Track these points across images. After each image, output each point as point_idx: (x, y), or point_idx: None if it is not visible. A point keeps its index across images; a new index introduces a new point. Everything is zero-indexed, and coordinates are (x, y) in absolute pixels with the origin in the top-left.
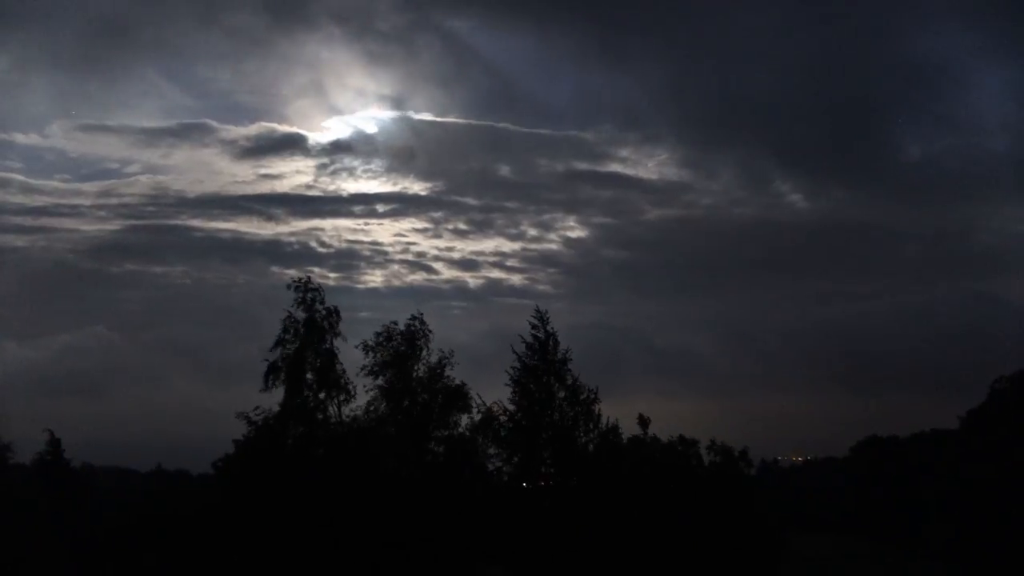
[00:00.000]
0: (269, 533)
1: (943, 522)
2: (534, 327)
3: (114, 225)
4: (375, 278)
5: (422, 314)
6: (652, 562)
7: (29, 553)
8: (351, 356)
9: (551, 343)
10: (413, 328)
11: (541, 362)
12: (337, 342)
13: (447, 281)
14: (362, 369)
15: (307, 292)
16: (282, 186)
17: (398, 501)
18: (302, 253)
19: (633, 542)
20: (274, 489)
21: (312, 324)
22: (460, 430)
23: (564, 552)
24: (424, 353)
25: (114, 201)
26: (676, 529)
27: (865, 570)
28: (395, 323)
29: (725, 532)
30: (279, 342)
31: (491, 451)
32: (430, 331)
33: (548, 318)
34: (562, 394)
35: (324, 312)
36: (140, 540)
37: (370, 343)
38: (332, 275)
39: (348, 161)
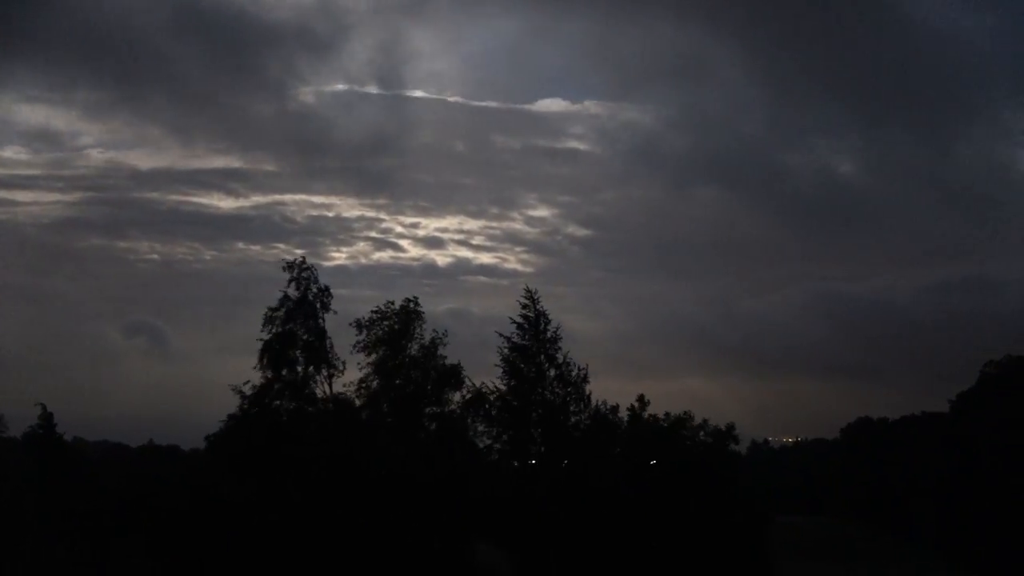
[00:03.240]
0: (260, 507)
1: (932, 503)
2: (524, 306)
3: (73, 197)
4: (340, 255)
5: (416, 298)
6: (641, 537)
7: (20, 527)
8: (340, 333)
9: (542, 322)
10: (408, 308)
11: (532, 341)
12: (328, 319)
13: (414, 259)
14: (355, 346)
15: (301, 271)
16: (235, 161)
17: (389, 477)
18: (267, 229)
19: (622, 518)
20: (266, 462)
21: (304, 303)
22: (452, 407)
23: (554, 529)
24: (417, 332)
25: (69, 173)
26: (665, 506)
27: (854, 550)
28: (392, 302)
29: (712, 509)
30: (271, 320)
31: (481, 428)
32: (422, 311)
33: (539, 297)
34: (552, 373)
35: (316, 291)
36: (132, 515)
37: (364, 321)
38: (298, 251)
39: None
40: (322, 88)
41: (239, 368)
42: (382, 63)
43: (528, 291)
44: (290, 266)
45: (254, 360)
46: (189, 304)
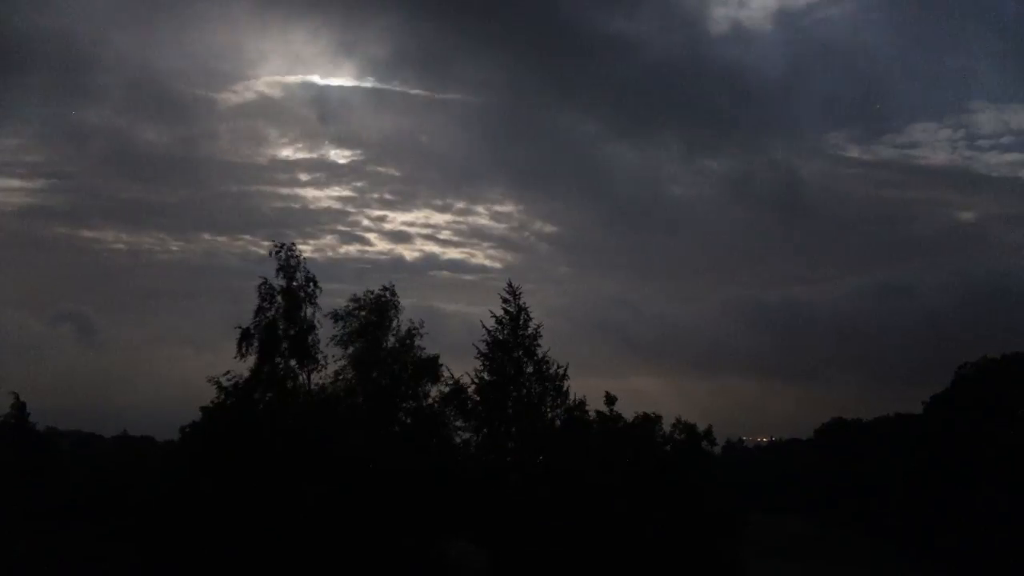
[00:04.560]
0: (234, 500)
1: (905, 504)
2: (505, 301)
3: (37, 184)
4: (306, 248)
5: (393, 285)
6: (614, 537)
7: None
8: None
9: (522, 318)
10: (383, 298)
11: (511, 336)
12: (314, 311)
13: (381, 253)
14: (332, 339)
15: (288, 259)
16: (197, 151)
17: (364, 472)
18: (233, 221)
19: (596, 518)
20: (241, 454)
21: (290, 292)
22: (429, 401)
23: (530, 526)
24: (394, 324)
25: (32, 159)
26: (638, 505)
27: (827, 550)
28: (371, 291)
29: (685, 508)
30: (258, 309)
31: (458, 424)
32: (399, 302)
33: (520, 293)
34: (530, 369)
35: (303, 280)
36: (105, 505)
37: (340, 312)
38: (265, 243)
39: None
40: None
41: (209, 358)
42: None
43: (510, 286)
44: (277, 251)
45: (224, 351)
46: (157, 294)
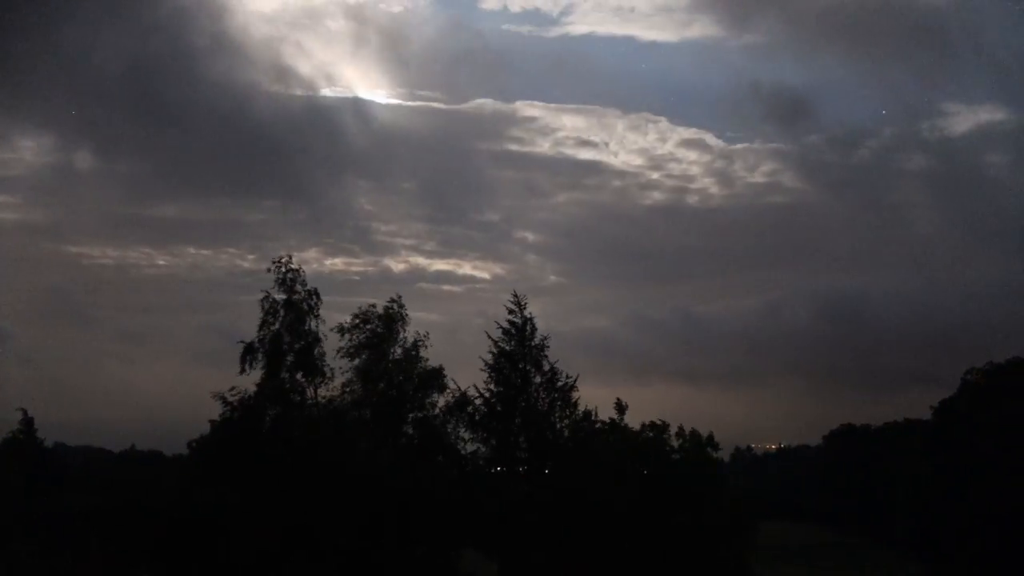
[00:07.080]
0: (243, 514)
1: (914, 511)
2: (511, 311)
3: (16, 199)
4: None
5: (400, 296)
6: (624, 547)
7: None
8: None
9: (528, 328)
10: (391, 311)
11: (518, 347)
12: (317, 324)
13: (369, 265)
14: (338, 351)
15: (287, 272)
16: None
17: (372, 484)
18: (217, 235)
19: (605, 527)
20: (249, 470)
21: (291, 305)
22: (435, 412)
23: (538, 537)
24: (401, 336)
25: (11, 174)
26: (646, 514)
27: (836, 557)
28: (373, 305)
29: (694, 517)
30: (264, 323)
31: (464, 435)
32: (407, 314)
33: (526, 303)
34: (538, 379)
35: (304, 293)
36: (115, 522)
37: (346, 325)
38: (250, 256)
39: None
40: None
41: (208, 372)
42: None
43: (515, 296)
44: (276, 266)
45: (222, 364)
46: (150, 309)
